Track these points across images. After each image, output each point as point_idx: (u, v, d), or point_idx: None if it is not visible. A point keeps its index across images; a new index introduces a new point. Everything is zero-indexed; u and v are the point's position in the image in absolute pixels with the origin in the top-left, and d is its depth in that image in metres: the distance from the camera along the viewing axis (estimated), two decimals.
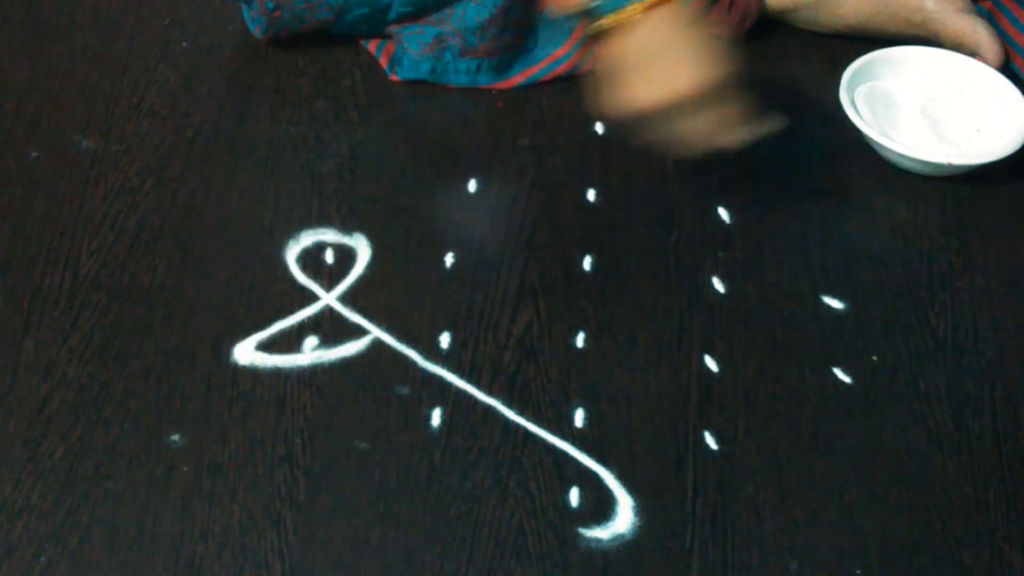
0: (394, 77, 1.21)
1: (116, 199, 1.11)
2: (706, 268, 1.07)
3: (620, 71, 1.00)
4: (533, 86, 1.21)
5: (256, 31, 1.21)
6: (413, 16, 1.19)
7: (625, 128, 1.04)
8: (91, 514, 0.91)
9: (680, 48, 0.99)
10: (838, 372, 1.01)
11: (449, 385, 0.99)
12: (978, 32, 1.19)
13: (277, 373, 1.00)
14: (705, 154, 1.03)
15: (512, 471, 0.95)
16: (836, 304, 1.05)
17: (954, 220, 1.12)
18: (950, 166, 1.12)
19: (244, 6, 1.20)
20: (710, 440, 0.97)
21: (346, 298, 1.05)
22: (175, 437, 0.96)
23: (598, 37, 1.01)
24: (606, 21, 0.99)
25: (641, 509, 0.93)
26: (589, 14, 1.00)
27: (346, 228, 1.09)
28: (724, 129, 1.02)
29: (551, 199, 1.12)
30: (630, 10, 0.98)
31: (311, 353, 1.01)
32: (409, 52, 1.20)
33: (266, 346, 1.01)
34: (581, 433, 0.97)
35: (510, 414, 0.98)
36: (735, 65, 1.00)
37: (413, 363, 1.01)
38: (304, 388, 0.99)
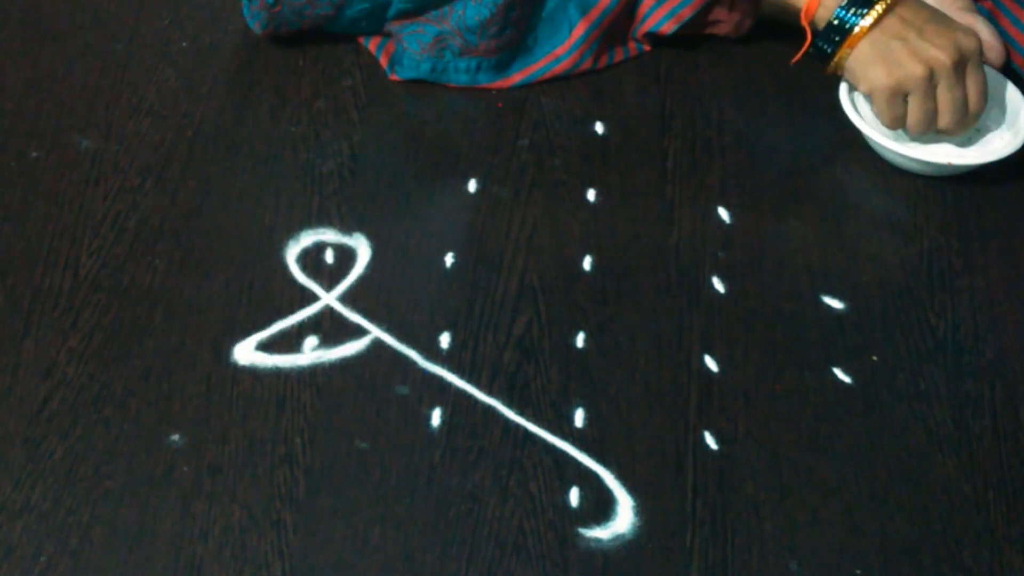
0: (394, 77, 1.21)
1: (116, 199, 1.11)
2: (706, 268, 1.08)
3: (874, 55, 1.10)
4: (533, 86, 1.21)
5: (256, 27, 1.21)
6: (413, 13, 1.19)
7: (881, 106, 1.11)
8: (91, 514, 0.91)
9: (928, 24, 1.10)
10: (838, 372, 1.01)
11: (449, 385, 0.99)
12: (979, 31, 1.19)
13: (277, 373, 1.00)
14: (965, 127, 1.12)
15: (512, 471, 0.95)
16: (836, 304, 1.05)
17: (954, 220, 1.12)
18: (950, 166, 1.12)
19: (244, 1, 1.20)
20: (710, 440, 0.97)
21: (346, 298, 1.05)
22: (175, 437, 0.96)
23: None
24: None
25: (641, 509, 0.93)
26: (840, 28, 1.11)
27: (346, 228, 1.09)
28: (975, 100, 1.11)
29: (551, 199, 1.12)
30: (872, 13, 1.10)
31: (311, 353, 1.01)
32: (409, 51, 1.20)
33: (266, 346, 1.01)
34: (581, 433, 0.97)
35: (510, 414, 0.98)
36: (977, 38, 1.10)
37: (413, 363, 1.01)
38: (304, 388, 0.99)
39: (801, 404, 0.99)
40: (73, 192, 1.11)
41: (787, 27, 1.27)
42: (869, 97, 1.12)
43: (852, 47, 1.10)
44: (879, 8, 1.09)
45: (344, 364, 1.00)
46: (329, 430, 0.96)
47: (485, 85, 1.21)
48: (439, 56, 1.20)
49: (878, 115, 1.12)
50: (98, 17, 1.27)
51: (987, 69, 1.18)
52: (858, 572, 0.90)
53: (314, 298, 1.05)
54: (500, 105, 1.20)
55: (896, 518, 0.93)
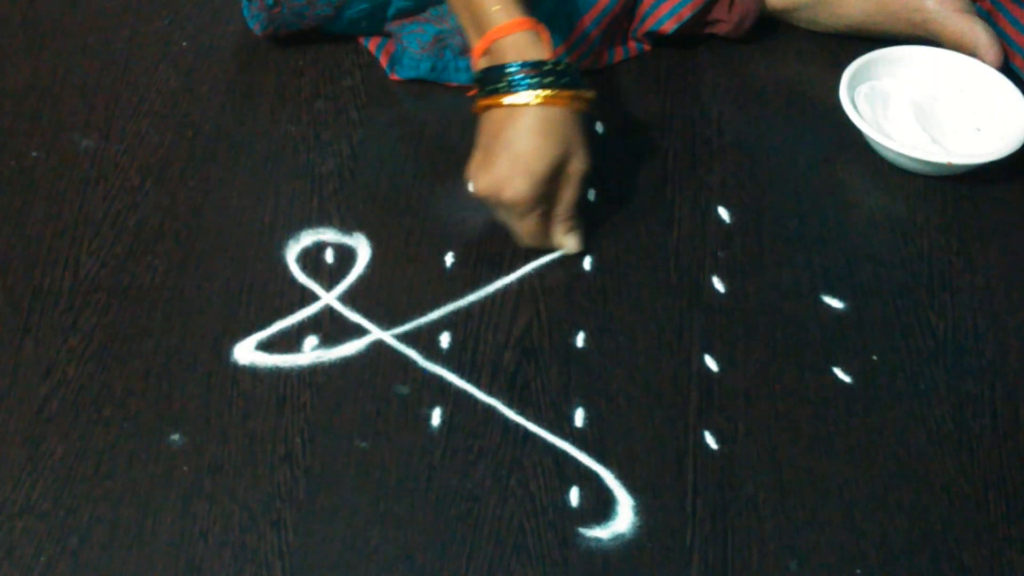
0: (394, 76, 1.21)
1: (116, 199, 1.11)
2: (706, 268, 1.07)
3: None
4: None
5: (256, 28, 1.21)
6: (412, 12, 1.19)
7: None
8: (91, 514, 0.91)
9: None
10: (838, 372, 1.01)
11: (449, 385, 0.99)
12: (977, 32, 1.19)
13: (277, 373, 1.00)
14: None
15: (512, 471, 0.95)
16: (836, 304, 1.05)
17: (954, 220, 1.12)
18: (950, 166, 1.12)
19: (244, 2, 1.20)
20: (710, 440, 0.97)
21: (346, 298, 1.05)
22: (175, 437, 0.96)
23: None
24: None
25: (641, 509, 0.93)
26: None
27: (346, 228, 1.09)
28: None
29: None
30: None
31: (311, 353, 1.01)
32: (409, 51, 1.20)
33: (266, 346, 1.01)
34: (581, 433, 0.97)
35: (510, 414, 0.98)
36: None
37: (413, 363, 1.01)
38: (304, 388, 0.99)
39: (801, 404, 0.99)
40: (73, 192, 1.11)
41: (788, 27, 1.27)
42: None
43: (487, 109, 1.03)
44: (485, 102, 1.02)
45: (344, 364, 1.00)
46: (329, 430, 0.96)
47: None
48: (439, 55, 1.20)
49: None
50: (98, 17, 1.27)
51: (987, 69, 1.18)
52: (858, 572, 0.90)
53: (314, 298, 1.04)
54: None
55: (896, 518, 0.93)
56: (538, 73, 1.01)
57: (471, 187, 1.04)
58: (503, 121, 1.02)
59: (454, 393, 0.99)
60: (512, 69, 1.01)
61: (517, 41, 1.02)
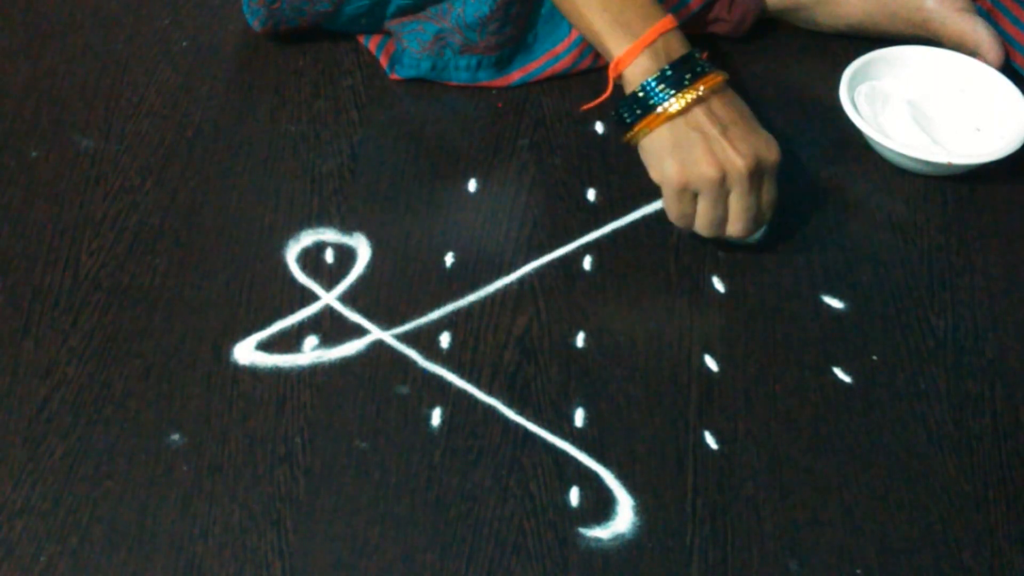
0: (394, 76, 1.21)
1: (116, 199, 1.11)
2: (706, 268, 1.08)
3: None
4: (533, 85, 1.21)
5: (255, 24, 1.21)
6: (412, 10, 1.19)
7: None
8: (91, 514, 0.91)
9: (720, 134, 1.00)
10: (838, 372, 1.01)
11: (449, 385, 0.99)
12: (978, 31, 1.19)
13: (277, 373, 1.00)
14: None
15: (512, 471, 0.95)
16: (836, 304, 1.05)
17: (954, 220, 1.12)
18: (950, 166, 1.12)
19: None
20: (710, 440, 0.97)
21: (346, 298, 1.05)
22: (175, 437, 0.96)
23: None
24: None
25: (641, 509, 0.93)
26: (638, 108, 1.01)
27: (346, 228, 1.09)
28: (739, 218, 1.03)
29: (551, 199, 1.12)
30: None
31: (311, 353, 1.01)
32: (409, 50, 1.20)
33: (266, 346, 1.01)
34: (581, 433, 0.97)
35: (510, 414, 0.98)
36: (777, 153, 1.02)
37: (413, 363, 1.01)
38: (304, 388, 0.99)
39: (801, 404, 0.99)
40: (73, 192, 1.11)
41: (788, 27, 1.27)
42: (659, 187, 1.04)
43: (651, 128, 1.00)
44: (688, 97, 0.99)
45: (344, 364, 1.00)
46: (329, 430, 0.96)
47: (485, 83, 1.21)
48: (439, 54, 1.20)
49: (665, 208, 1.04)
50: (98, 17, 1.27)
51: (987, 68, 1.18)
52: (858, 572, 0.90)
53: (314, 298, 1.05)
54: (500, 105, 1.20)
55: (896, 518, 0.93)
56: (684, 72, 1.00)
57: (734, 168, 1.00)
58: (692, 121, 0.99)
59: (454, 393, 0.99)
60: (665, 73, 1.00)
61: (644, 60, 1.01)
